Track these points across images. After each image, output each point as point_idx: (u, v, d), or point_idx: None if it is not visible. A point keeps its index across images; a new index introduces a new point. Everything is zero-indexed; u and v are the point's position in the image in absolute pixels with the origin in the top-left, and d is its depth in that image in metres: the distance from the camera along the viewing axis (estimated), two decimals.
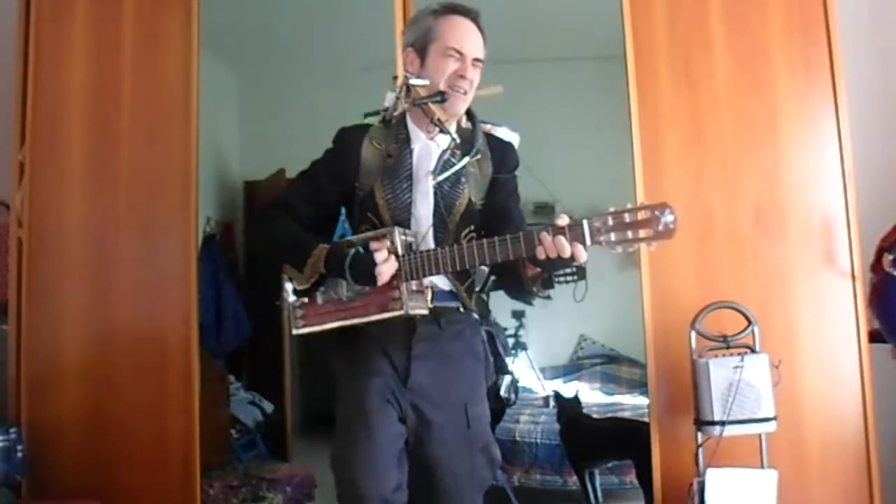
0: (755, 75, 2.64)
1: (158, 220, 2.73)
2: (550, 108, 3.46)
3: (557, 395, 3.32)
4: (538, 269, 1.68)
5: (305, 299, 1.82)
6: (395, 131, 1.86)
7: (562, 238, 1.57)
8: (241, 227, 4.83)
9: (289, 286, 1.84)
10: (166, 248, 2.70)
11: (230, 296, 4.24)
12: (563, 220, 1.59)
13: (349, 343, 1.83)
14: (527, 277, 1.71)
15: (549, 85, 3.53)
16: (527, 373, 3.49)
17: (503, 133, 1.96)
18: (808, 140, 2.62)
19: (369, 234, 1.76)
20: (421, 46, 1.84)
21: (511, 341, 3.41)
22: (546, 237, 1.57)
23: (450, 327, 1.81)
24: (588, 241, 1.57)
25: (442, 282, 1.80)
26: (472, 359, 1.84)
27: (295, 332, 1.84)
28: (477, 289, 1.86)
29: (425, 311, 1.75)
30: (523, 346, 3.48)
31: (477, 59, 1.84)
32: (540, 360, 3.55)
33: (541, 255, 1.59)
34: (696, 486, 2.32)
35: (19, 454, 2.51)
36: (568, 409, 3.25)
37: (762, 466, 2.34)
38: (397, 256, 1.70)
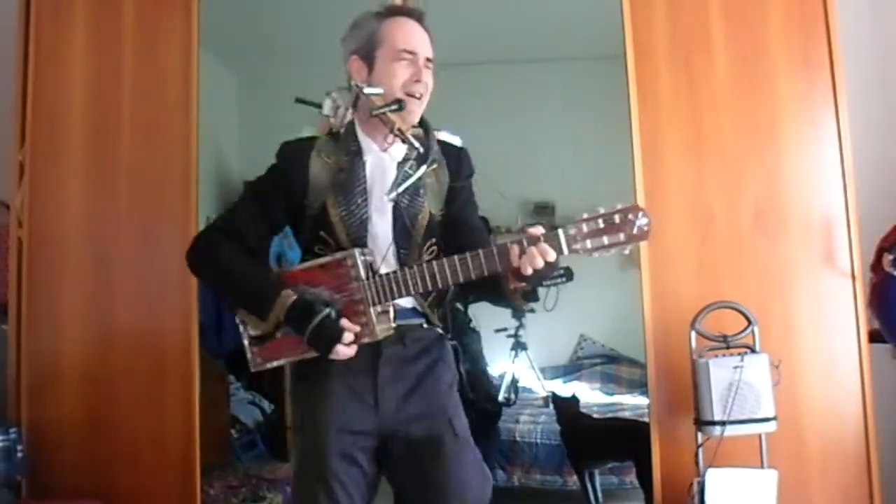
0: (755, 75, 2.64)
1: (158, 220, 2.72)
2: (550, 109, 3.46)
3: (555, 396, 3.31)
4: (521, 283, 1.61)
5: (263, 338, 1.70)
6: (345, 143, 1.75)
7: (534, 249, 1.52)
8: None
9: (241, 327, 1.71)
10: (166, 248, 2.70)
11: None
12: (536, 231, 1.55)
13: (308, 377, 1.72)
14: (510, 291, 1.65)
15: (548, 85, 3.53)
16: (527, 373, 3.49)
17: (447, 137, 1.87)
18: (808, 140, 2.63)
19: (324, 259, 1.65)
20: (367, 53, 1.73)
21: (511, 341, 3.41)
22: (525, 249, 1.52)
23: (414, 345, 1.72)
24: (565, 251, 1.54)
25: (403, 300, 1.69)
26: (445, 370, 1.75)
27: (253, 369, 1.72)
28: (449, 298, 1.78)
29: (391, 331, 1.67)
30: (523, 346, 3.47)
31: (429, 59, 1.74)
32: (540, 360, 3.55)
33: (526, 271, 1.53)
34: (696, 486, 2.32)
35: (19, 454, 2.51)
36: (566, 409, 3.24)
37: (762, 466, 2.34)
38: (359, 280, 1.61)
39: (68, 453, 2.64)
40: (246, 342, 1.72)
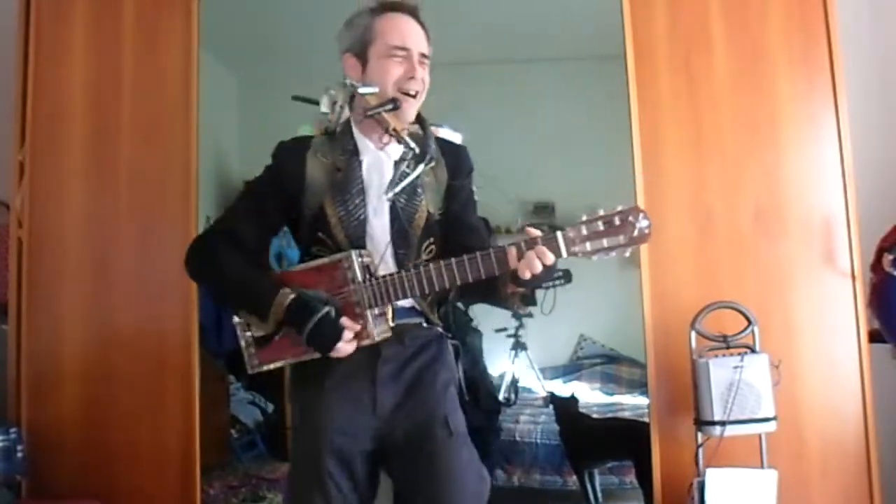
0: (755, 75, 2.64)
1: (158, 220, 2.72)
2: (550, 108, 3.46)
3: (553, 396, 3.31)
4: (518, 287, 1.59)
5: (260, 340, 1.69)
6: (342, 142, 1.72)
7: (531, 252, 1.51)
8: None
9: (238, 329, 1.70)
10: (166, 248, 2.70)
11: None
12: (534, 233, 1.54)
13: (305, 378, 1.70)
14: (507, 294, 1.64)
15: (548, 85, 3.53)
16: (527, 373, 3.49)
17: (446, 134, 1.86)
18: (808, 140, 2.63)
19: (322, 261, 1.64)
20: (360, 50, 1.71)
21: (511, 341, 3.41)
22: (523, 252, 1.51)
23: (414, 343, 1.70)
24: (564, 254, 1.52)
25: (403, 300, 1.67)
26: (442, 368, 1.72)
27: (250, 370, 1.72)
28: (450, 298, 1.77)
29: (388, 334, 1.65)
30: (523, 346, 3.47)
31: (424, 55, 1.71)
32: (540, 360, 3.55)
33: (524, 275, 1.52)
34: (696, 486, 2.32)
35: (19, 454, 2.51)
36: (565, 409, 3.24)
37: (762, 466, 2.34)
38: (356, 283, 1.59)
39: (68, 453, 2.64)
40: (243, 343, 1.71)
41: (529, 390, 3.49)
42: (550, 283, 2.92)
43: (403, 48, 1.68)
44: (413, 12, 1.72)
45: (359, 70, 1.71)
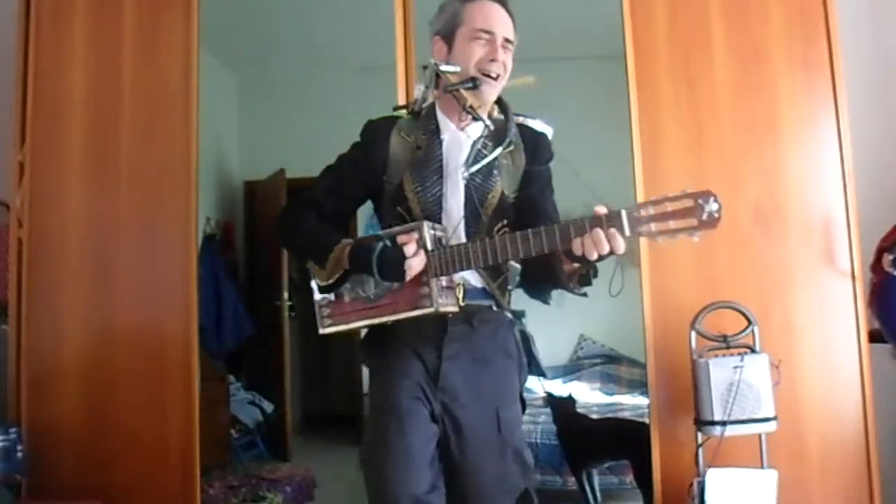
0: (755, 75, 2.64)
1: (158, 220, 2.72)
2: (550, 108, 3.45)
3: (551, 396, 3.31)
4: (575, 265, 1.60)
5: (332, 297, 1.73)
6: (424, 122, 1.79)
7: (599, 230, 1.50)
8: (241, 227, 4.84)
9: (314, 284, 1.76)
10: (166, 248, 2.70)
11: (230, 296, 4.24)
12: (600, 210, 1.52)
13: (378, 342, 1.77)
14: (563, 273, 1.63)
15: (548, 85, 3.53)
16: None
17: (536, 125, 1.88)
18: (808, 140, 2.63)
19: (396, 228, 1.67)
20: (448, 33, 1.77)
21: None
22: (588, 230, 1.50)
23: (482, 326, 1.74)
24: (627, 232, 1.50)
25: (474, 279, 1.73)
26: (505, 359, 1.76)
27: (322, 331, 1.75)
28: (510, 287, 1.79)
29: (455, 309, 1.67)
30: None
31: (507, 41, 1.76)
32: (540, 360, 3.55)
33: (577, 250, 1.51)
34: (696, 487, 2.32)
35: (19, 454, 2.51)
36: (562, 409, 3.24)
37: (762, 466, 2.34)
38: (426, 251, 1.61)
39: (68, 453, 2.64)
40: (316, 299, 1.75)
41: (529, 390, 3.47)
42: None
43: (488, 31, 1.73)
44: (502, 1, 1.77)
45: (444, 52, 1.77)
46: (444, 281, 1.64)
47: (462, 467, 1.70)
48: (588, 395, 3.53)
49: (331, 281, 1.70)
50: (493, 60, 1.73)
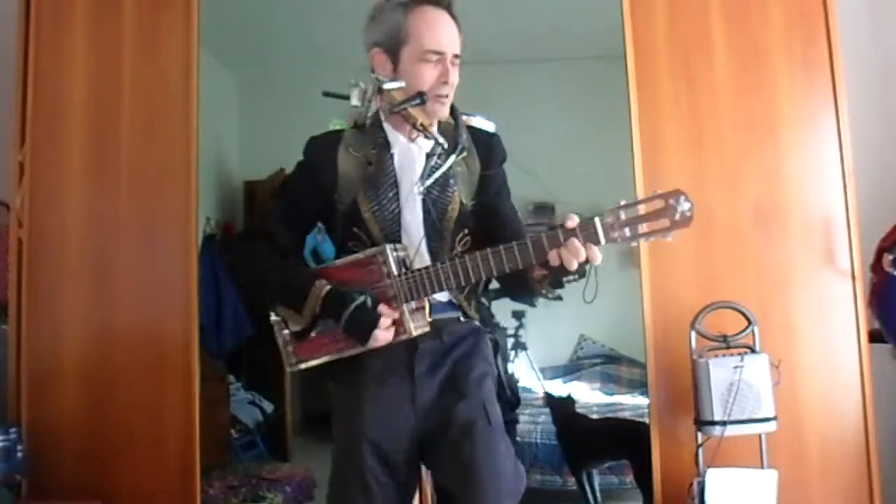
0: (755, 75, 2.64)
1: (158, 220, 2.72)
2: (550, 108, 3.46)
3: (550, 396, 3.31)
4: (545, 271, 1.55)
5: (296, 336, 1.69)
6: (372, 136, 1.70)
7: (575, 241, 1.47)
8: (241, 227, 4.83)
9: (277, 322, 1.70)
10: (166, 248, 2.70)
11: (230, 296, 4.24)
12: (572, 221, 1.48)
13: (342, 373, 1.69)
14: (534, 280, 1.59)
15: (548, 85, 3.53)
16: (527, 373, 3.49)
17: (480, 123, 1.81)
18: (808, 140, 2.63)
19: (358, 256, 1.62)
20: (391, 47, 1.66)
21: (511, 341, 3.41)
22: (562, 242, 1.47)
23: (452, 339, 1.69)
24: (602, 240, 1.47)
25: (439, 293, 1.65)
26: (479, 360, 1.69)
27: (289, 369, 1.72)
28: (480, 291, 1.75)
29: (427, 329, 1.63)
30: (523, 346, 3.47)
31: (456, 56, 1.67)
32: (540, 360, 3.55)
33: (554, 262, 1.48)
34: (696, 486, 2.32)
35: (19, 454, 2.51)
36: (561, 409, 3.24)
37: (762, 466, 2.34)
38: (391, 277, 1.57)
39: (68, 453, 2.64)
40: (281, 342, 1.71)
41: (529, 390, 3.48)
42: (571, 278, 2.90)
43: (438, 52, 1.64)
44: (448, 6, 1.67)
45: (389, 67, 1.67)
46: (413, 303, 1.60)
47: (458, 468, 1.60)
48: (588, 395, 3.52)
49: (305, 326, 1.65)
50: (444, 83, 1.65)
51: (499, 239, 1.56)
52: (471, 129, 1.76)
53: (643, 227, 1.47)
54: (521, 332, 3.43)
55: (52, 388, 2.68)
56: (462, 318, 1.72)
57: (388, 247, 1.60)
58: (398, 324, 1.59)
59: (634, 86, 2.64)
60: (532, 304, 1.78)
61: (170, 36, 2.78)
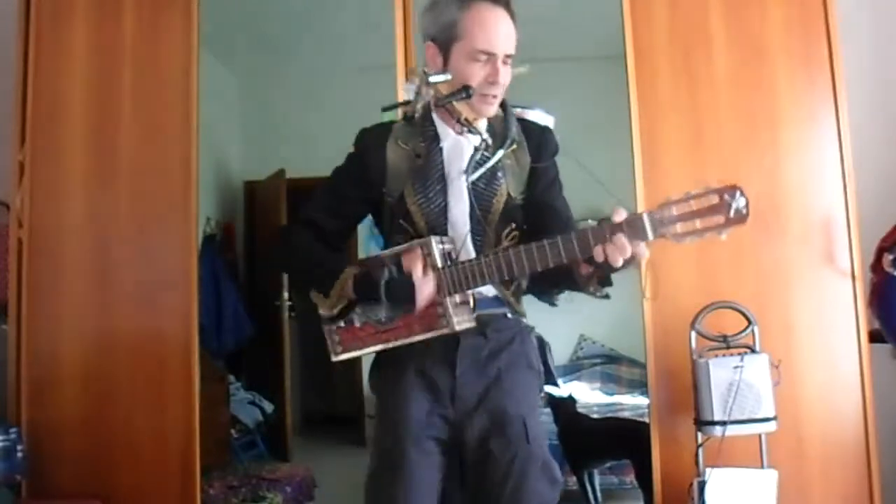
0: (755, 75, 2.64)
1: (158, 221, 2.72)
2: (550, 108, 3.46)
3: (551, 397, 3.31)
4: (592, 269, 1.50)
5: (342, 322, 1.66)
6: (422, 128, 1.68)
7: (621, 236, 1.41)
8: (242, 227, 4.84)
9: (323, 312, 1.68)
10: (166, 248, 2.70)
11: (230, 296, 4.25)
12: (619, 215, 1.43)
13: (385, 368, 1.69)
14: (581, 277, 1.54)
15: (548, 85, 3.53)
16: None
17: (536, 116, 1.79)
18: (808, 140, 2.63)
19: (402, 247, 1.59)
20: (444, 42, 1.63)
21: None
22: (608, 237, 1.41)
23: (496, 336, 1.65)
24: (650, 236, 1.41)
25: (485, 287, 1.63)
26: (525, 368, 1.67)
27: (334, 357, 1.68)
28: (523, 286, 1.71)
29: (472, 324, 1.59)
30: None
31: (508, 56, 1.63)
32: None
33: (599, 258, 1.42)
34: (696, 486, 2.32)
35: (19, 454, 2.51)
36: (562, 409, 3.24)
37: (762, 466, 2.34)
38: (435, 269, 1.54)
39: (68, 453, 2.64)
40: (326, 331, 1.69)
41: None
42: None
43: (488, 52, 1.61)
44: (506, 2, 1.64)
45: (439, 61, 1.65)
46: (458, 297, 1.57)
47: (492, 484, 1.58)
48: (588, 395, 3.53)
49: (335, 312, 1.64)
50: (493, 83, 1.62)
51: (547, 233, 1.51)
52: (522, 121, 1.74)
53: (696, 224, 1.40)
54: None
55: (53, 388, 2.68)
56: (509, 315, 1.69)
57: (433, 238, 1.57)
58: (440, 317, 1.55)
59: (634, 86, 2.64)
60: (552, 304, 1.75)
61: (170, 36, 2.77)
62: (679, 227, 1.40)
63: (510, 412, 1.60)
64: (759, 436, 2.35)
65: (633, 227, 1.41)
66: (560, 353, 3.76)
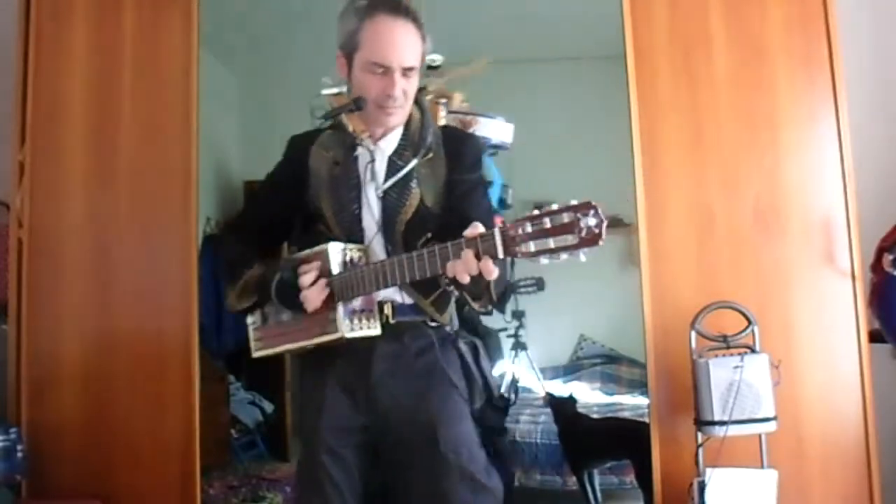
0: (755, 75, 2.64)
1: (158, 220, 2.72)
2: (550, 108, 3.46)
3: (551, 397, 3.31)
4: (450, 287, 1.48)
5: (259, 321, 1.74)
6: (342, 136, 1.69)
7: (469, 252, 1.35)
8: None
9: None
10: (166, 248, 2.70)
11: None
12: (472, 230, 1.38)
13: (307, 371, 1.74)
14: (452, 292, 1.53)
15: (548, 85, 3.53)
16: (527, 373, 3.49)
17: (498, 126, 1.83)
18: (808, 140, 2.63)
19: (304, 252, 1.64)
20: (348, 53, 1.64)
21: (511, 341, 3.41)
22: (458, 253, 1.37)
23: (415, 343, 1.66)
24: (500, 254, 1.34)
25: (400, 296, 1.64)
26: (443, 375, 1.66)
27: (253, 354, 1.77)
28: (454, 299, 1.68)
29: (375, 332, 1.60)
30: (523, 346, 3.47)
31: (407, 69, 1.60)
32: (540, 360, 3.55)
33: (449, 273, 1.38)
34: (696, 486, 2.32)
35: (19, 454, 2.51)
36: (562, 409, 3.24)
37: (762, 466, 2.34)
38: (329, 276, 1.56)
39: (68, 453, 2.64)
40: (249, 327, 1.78)
41: (529, 390, 3.49)
42: (523, 290, 2.87)
43: (383, 65, 1.59)
44: (406, 13, 1.61)
45: (345, 72, 1.68)
46: (357, 304, 1.58)
47: (406, 490, 1.63)
48: (588, 395, 3.52)
49: (239, 308, 1.72)
50: (388, 95, 1.60)
51: None
52: (445, 129, 1.76)
53: (550, 243, 1.29)
54: (521, 332, 3.43)
55: (53, 388, 2.68)
56: (430, 323, 1.68)
57: (334, 245, 1.59)
58: (330, 322, 1.58)
59: (634, 85, 2.64)
60: (485, 313, 1.77)
61: (170, 36, 2.77)
62: (532, 246, 1.30)
63: (421, 419, 1.61)
64: (759, 436, 2.35)
65: (485, 244, 1.35)
66: (560, 353, 3.75)
